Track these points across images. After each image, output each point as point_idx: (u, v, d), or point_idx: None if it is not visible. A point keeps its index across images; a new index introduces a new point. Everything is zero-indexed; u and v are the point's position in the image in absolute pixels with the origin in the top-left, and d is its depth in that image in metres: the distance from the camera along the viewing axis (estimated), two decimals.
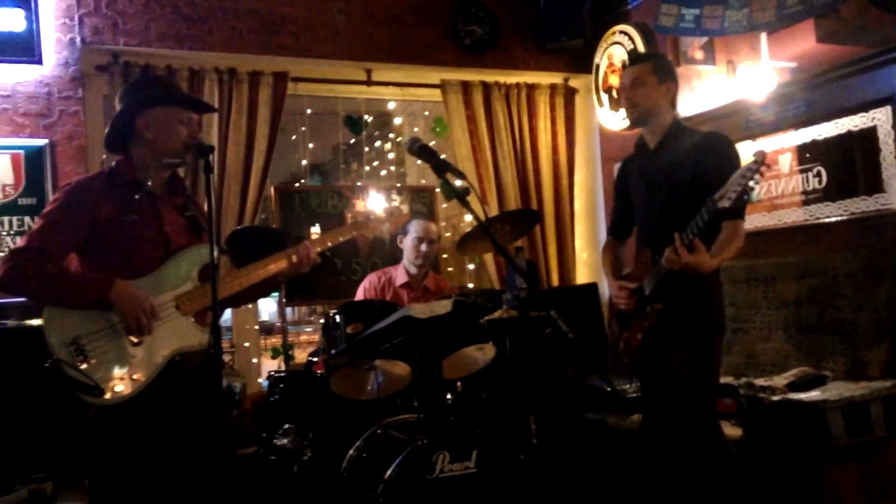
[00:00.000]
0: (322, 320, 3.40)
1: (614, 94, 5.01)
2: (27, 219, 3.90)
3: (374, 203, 4.43)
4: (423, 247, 3.88)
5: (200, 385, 2.24)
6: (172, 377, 2.19)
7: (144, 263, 2.22)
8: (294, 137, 5.33)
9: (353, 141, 5.97)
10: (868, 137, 3.44)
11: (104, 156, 4.17)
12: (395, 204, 4.92)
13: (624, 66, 4.86)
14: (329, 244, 2.62)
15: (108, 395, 2.07)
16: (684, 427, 2.72)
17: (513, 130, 5.14)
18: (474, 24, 5.00)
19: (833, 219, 3.60)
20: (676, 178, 2.73)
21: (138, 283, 2.19)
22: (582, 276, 5.38)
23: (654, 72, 2.80)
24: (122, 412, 2.12)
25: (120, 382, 2.09)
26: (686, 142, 2.77)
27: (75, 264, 2.25)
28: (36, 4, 3.96)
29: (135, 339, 2.13)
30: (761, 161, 2.33)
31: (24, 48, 3.93)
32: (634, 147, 2.99)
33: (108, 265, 2.20)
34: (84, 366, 2.06)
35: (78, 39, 4.08)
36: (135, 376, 2.12)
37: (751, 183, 2.33)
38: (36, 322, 3.25)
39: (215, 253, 2.08)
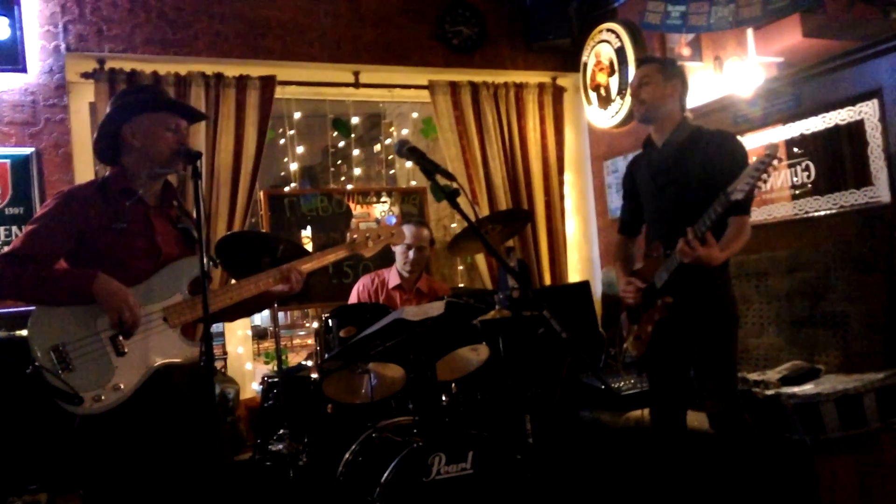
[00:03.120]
0: (315, 324, 3.39)
1: (602, 92, 5.02)
2: (14, 228, 3.87)
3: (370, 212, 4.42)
4: (412, 254, 3.87)
5: (189, 397, 2.21)
6: (158, 389, 2.17)
7: (134, 274, 2.20)
8: (282, 141, 5.31)
9: (342, 144, 5.95)
10: (856, 131, 3.46)
11: (96, 168, 4.16)
12: (393, 217, 4.91)
13: (612, 64, 4.87)
14: (324, 263, 2.58)
15: (86, 405, 2.04)
16: (711, 415, 2.77)
17: (502, 130, 5.14)
18: (461, 25, 5.00)
19: (822, 212, 3.62)
20: (686, 175, 2.79)
21: None
22: (574, 275, 5.39)
23: (660, 71, 2.88)
24: (106, 423, 2.09)
25: (100, 392, 2.07)
26: (694, 139, 2.83)
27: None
28: (19, 12, 3.93)
29: (121, 347, 2.11)
30: (774, 155, 2.41)
31: (8, 56, 3.90)
32: (643, 145, 3.05)
33: None
34: (65, 373, 2.04)
35: (62, 47, 4.05)
36: (116, 387, 2.09)
37: (763, 176, 2.41)
38: (26, 332, 3.23)
39: (205, 262, 2.07)
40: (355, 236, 2.62)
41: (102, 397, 2.07)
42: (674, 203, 2.82)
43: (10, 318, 3.51)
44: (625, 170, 3.18)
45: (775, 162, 2.41)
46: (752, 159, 2.49)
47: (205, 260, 2.06)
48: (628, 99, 4.73)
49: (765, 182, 2.43)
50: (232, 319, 2.67)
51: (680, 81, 2.90)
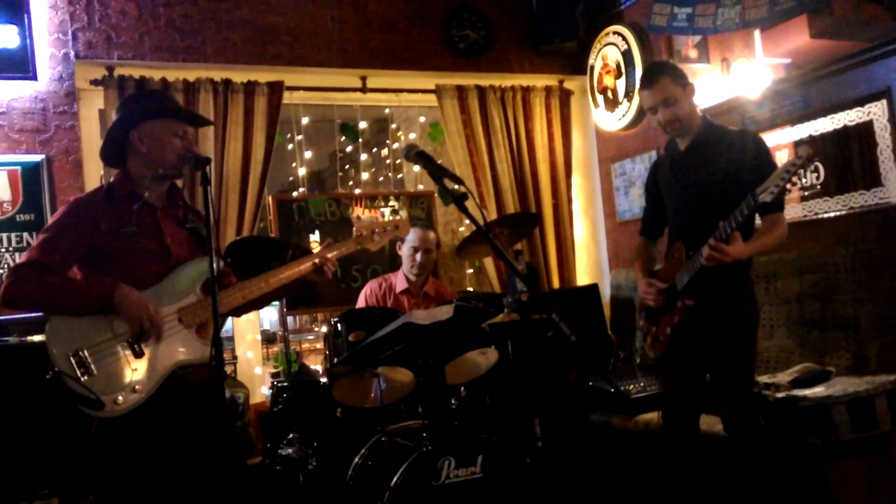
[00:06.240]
0: (324, 328, 3.40)
1: (609, 94, 5.02)
2: (25, 235, 3.89)
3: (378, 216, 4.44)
4: (419, 256, 3.88)
5: (204, 398, 2.23)
6: (175, 390, 2.19)
7: (146, 277, 2.22)
8: (290, 146, 5.33)
9: (349, 148, 5.97)
10: (864, 132, 3.44)
11: (101, 172, 4.18)
12: (400, 216, 4.91)
13: (619, 67, 4.86)
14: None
15: (108, 408, 2.07)
16: (726, 419, 2.77)
17: (509, 133, 5.14)
18: (468, 29, 5.01)
19: (832, 214, 3.60)
20: (710, 176, 2.77)
21: None
22: (582, 278, 5.38)
23: (674, 83, 2.80)
24: (125, 425, 2.11)
25: (121, 395, 2.09)
26: (718, 140, 2.81)
27: (78, 277, 2.25)
28: (29, 20, 3.96)
29: (138, 350, 2.13)
30: (806, 157, 2.39)
31: (18, 64, 3.93)
32: (665, 148, 3.03)
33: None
34: (85, 378, 2.06)
35: (72, 54, 4.08)
36: (136, 389, 2.11)
37: (794, 178, 2.39)
38: (38, 338, 3.25)
39: (216, 264, 2.08)
40: (361, 231, 2.66)
41: (122, 399, 2.09)
42: (696, 203, 2.81)
43: (21, 323, 3.52)
44: (646, 172, 3.20)
45: (807, 163, 2.38)
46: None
47: (215, 261, 2.07)
48: (635, 101, 4.73)
49: (794, 184, 2.40)
50: (241, 314, 2.69)
51: (689, 81, 2.86)
